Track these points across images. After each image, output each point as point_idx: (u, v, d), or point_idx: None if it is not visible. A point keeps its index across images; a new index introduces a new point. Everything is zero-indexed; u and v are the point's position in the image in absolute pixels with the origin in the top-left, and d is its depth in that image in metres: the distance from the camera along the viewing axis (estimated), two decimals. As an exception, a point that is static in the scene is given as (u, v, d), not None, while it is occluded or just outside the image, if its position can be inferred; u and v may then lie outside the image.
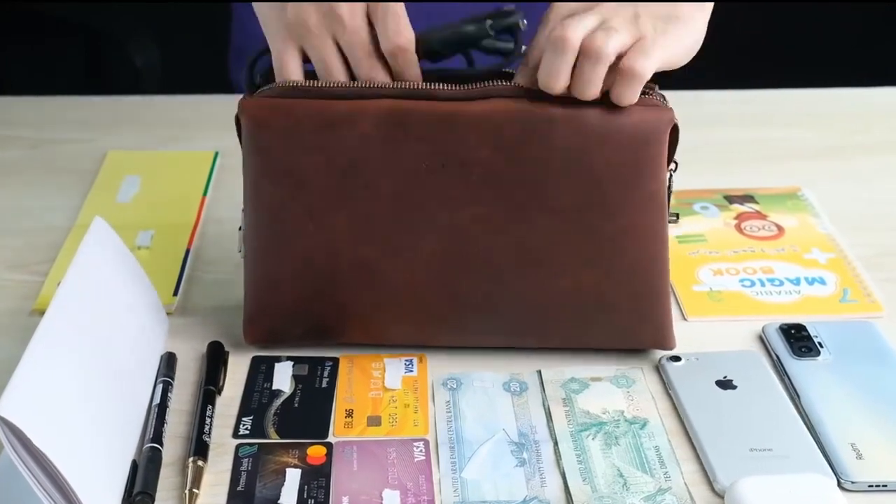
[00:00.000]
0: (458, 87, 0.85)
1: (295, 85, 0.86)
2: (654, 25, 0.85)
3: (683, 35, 0.86)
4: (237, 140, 0.88)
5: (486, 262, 0.87)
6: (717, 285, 1.01)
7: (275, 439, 0.84)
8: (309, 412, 0.87)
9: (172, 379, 0.88)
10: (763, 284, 1.01)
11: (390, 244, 0.87)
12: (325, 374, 0.90)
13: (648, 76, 0.83)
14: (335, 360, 0.92)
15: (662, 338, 0.90)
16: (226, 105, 0.89)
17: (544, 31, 0.86)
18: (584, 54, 0.82)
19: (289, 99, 0.86)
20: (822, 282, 1.02)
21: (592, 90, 0.83)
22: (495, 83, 0.85)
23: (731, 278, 1.02)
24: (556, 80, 0.83)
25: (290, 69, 0.87)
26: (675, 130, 0.86)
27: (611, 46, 0.82)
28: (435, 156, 0.85)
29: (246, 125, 0.86)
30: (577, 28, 0.83)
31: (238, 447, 0.83)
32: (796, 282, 1.02)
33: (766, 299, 0.99)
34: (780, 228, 1.09)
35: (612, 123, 0.84)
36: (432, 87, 0.85)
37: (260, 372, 0.91)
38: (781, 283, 1.01)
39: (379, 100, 0.85)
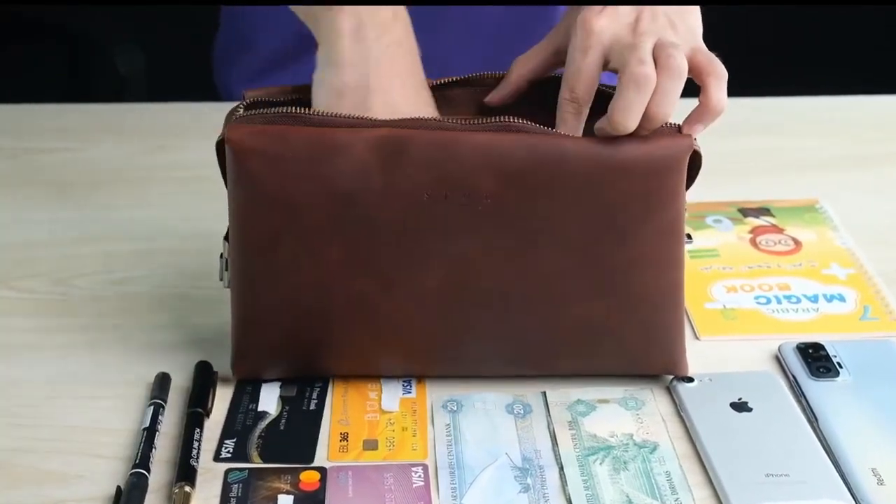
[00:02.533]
0: (464, 121, 0.84)
1: (284, 112, 0.85)
2: (686, 27, 0.87)
3: (697, 17, 0.89)
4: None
5: (490, 296, 0.87)
6: (730, 303, 1.02)
7: (257, 463, 0.84)
8: (295, 435, 0.87)
9: (165, 402, 0.89)
10: (779, 301, 1.02)
11: (389, 278, 0.86)
12: (314, 395, 0.91)
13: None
14: (325, 381, 0.92)
15: (675, 365, 0.91)
16: (216, 113, 0.89)
17: (586, 60, 0.85)
18: (666, 73, 0.83)
19: (278, 125, 0.85)
20: (842, 299, 1.02)
21: (672, 108, 0.84)
22: (505, 119, 0.84)
23: (746, 295, 1.02)
24: (636, 116, 0.83)
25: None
26: (696, 157, 0.86)
27: (685, 61, 0.83)
28: (437, 185, 0.84)
29: (232, 152, 0.84)
30: (650, 59, 0.83)
31: (227, 472, 0.83)
32: (814, 299, 1.02)
33: (782, 317, 1.00)
34: (797, 243, 1.10)
35: (628, 152, 0.84)
36: (436, 118, 0.85)
37: (246, 392, 0.91)
38: (798, 301, 1.02)
39: (378, 128, 0.84)
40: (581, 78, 0.85)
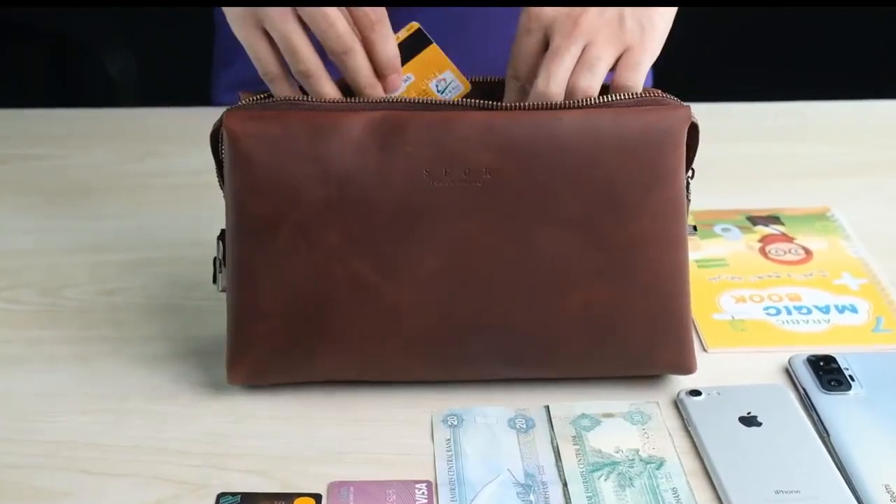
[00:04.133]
0: (461, 102, 0.88)
1: (280, 100, 0.88)
2: (639, 26, 0.90)
3: (663, 16, 0.92)
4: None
5: (490, 279, 0.88)
6: (739, 313, 1.02)
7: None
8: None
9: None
10: (790, 312, 1.02)
11: (388, 261, 0.87)
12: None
13: (640, 89, 0.89)
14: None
15: (681, 361, 0.91)
16: (209, 117, 0.90)
17: (527, 41, 0.91)
18: (573, 95, 0.89)
19: (276, 110, 0.87)
20: (854, 310, 1.02)
21: None
22: (505, 105, 0.88)
23: (755, 306, 1.03)
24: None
25: (259, 51, 0.90)
26: (694, 131, 0.88)
27: (597, 83, 0.89)
28: (436, 161, 0.86)
29: (229, 136, 0.86)
30: (559, 75, 0.89)
31: (220, 497, 0.83)
32: (825, 310, 1.02)
33: (792, 328, 1.00)
34: (807, 252, 1.10)
35: (626, 124, 0.87)
36: (433, 101, 0.88)
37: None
38: (809, 312, 1.02)
39: (376, 111, 0.87)
40: (521, 58, 0.91)
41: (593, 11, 0.90)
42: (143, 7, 2.09)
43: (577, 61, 0.89)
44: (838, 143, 1.31)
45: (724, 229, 1.13)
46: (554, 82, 0.89)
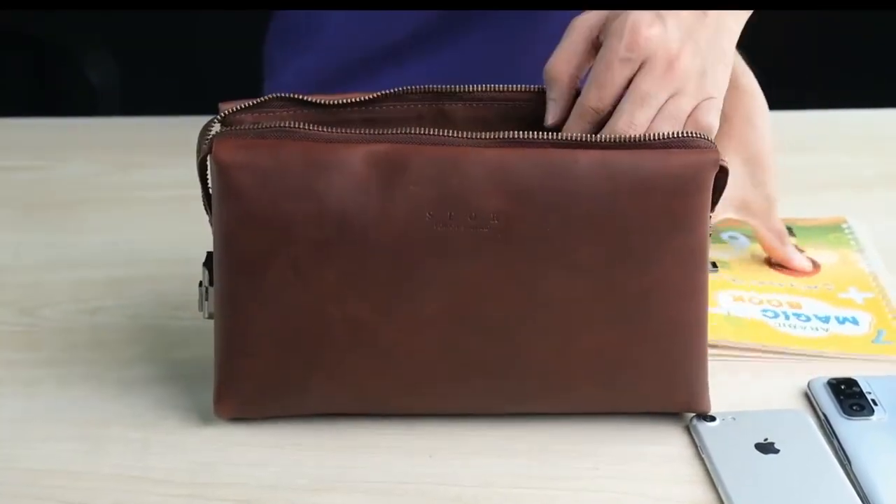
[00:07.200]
0: (470, 135, 0.85)
1: (276, 126, 0.85)
2: (714, 78, 0.89)
3: (727, 70, 0.91)
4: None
5: (496, 324, 0.86)
6: (736, 311, 1.02)
7: None
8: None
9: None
10: (787, 318, 1.02)
11: (387, 304, 0.86)
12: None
13: (716, 130, 0.89)
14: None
15: (695, 402, 0.90)
16: (194, 127, 0.89)
17: (622, 72, 0.88)
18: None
19: (269, 139, 0.85)
20: (855, 321, 1.02)
21: None
22: (517, 134, 0.85)
23: (753, 307, 1.03)
24: None
25: None
26: (722, 174, 0.86)
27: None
28: (441, 204, 0.84)
29: (219, 166, 0.85)
30: (642, 121, 0.87)
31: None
32: (825, 319, 1.02)
33: (789, 332, 1.00)
34: (815, 265, 1.10)
35: (647, 168, 0.84)
36: (440, 132, 0.85)
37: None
38: (808, 319, 1.02)
39: (377, 143, 0.85)
40: (614, 89, 0.87)
41: (687, 56, 0.87)
42: (127, 12, 2.09)
43: (660, 110, 0.87)
44: (856, 153, 1.31)
45: (732, 237, 1.13)
46: (635, 128, 0.86)
